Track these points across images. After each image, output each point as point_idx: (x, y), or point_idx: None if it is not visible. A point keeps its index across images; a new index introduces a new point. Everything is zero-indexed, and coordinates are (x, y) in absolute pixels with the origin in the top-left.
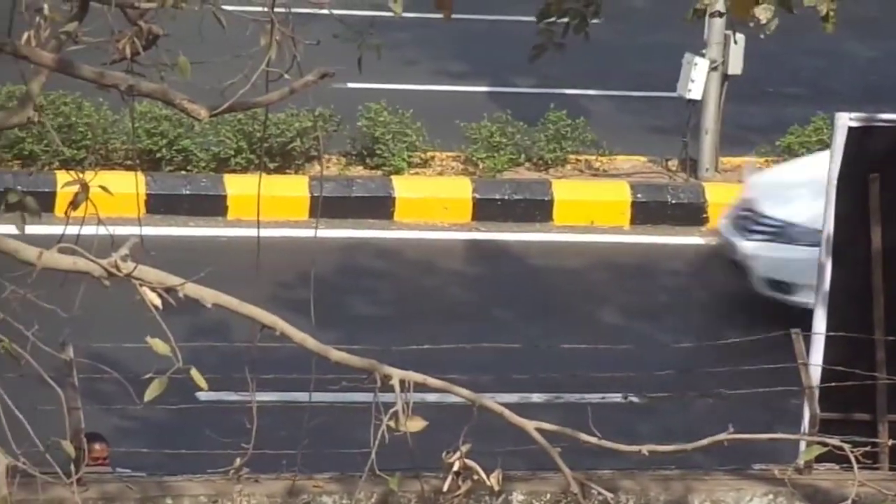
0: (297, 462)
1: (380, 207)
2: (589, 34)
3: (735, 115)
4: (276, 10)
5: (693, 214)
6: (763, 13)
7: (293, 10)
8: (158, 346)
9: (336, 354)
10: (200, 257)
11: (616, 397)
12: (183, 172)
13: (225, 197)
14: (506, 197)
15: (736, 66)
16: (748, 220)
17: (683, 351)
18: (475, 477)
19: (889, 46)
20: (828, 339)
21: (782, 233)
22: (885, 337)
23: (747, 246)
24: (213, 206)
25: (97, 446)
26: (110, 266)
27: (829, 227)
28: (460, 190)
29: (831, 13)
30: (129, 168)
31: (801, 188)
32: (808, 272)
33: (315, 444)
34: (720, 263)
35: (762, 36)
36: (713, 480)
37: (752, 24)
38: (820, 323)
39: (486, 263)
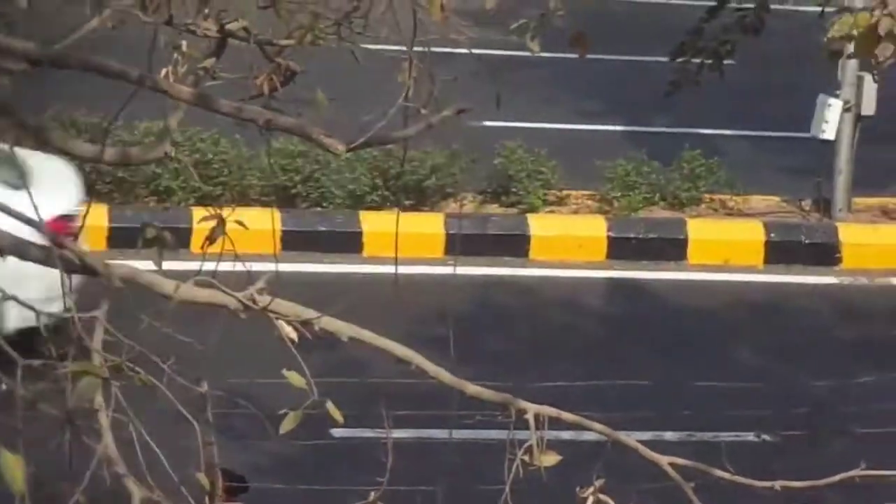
0: (431, 498)
1: (515, 245)
2: (724, 72)
3: (868, 156)
4: (414, 48)
5: (826, 254)
6: (882, 51)
7: (431, 48)
8: (294, 378)
9: (472, 388)
10: (336, 294)
11: (749, 436)
12: (318, 209)
13: (361, 234)
14: (640, 235)
15: (869, 107)
16: None
17: (817, 390)
18: None
19: None
20: None
21: None
22: None
23: None
24: (349, 243)
25: (226, 485)
26: (246, 299)
27: None
28: (595, 228)
29: None
30: (264, 204)
31: None
32: None
33: (449, 481)
34: None
35: (873, 75)
36: None
37: (872, 62)
38: None
39: (621, 302)
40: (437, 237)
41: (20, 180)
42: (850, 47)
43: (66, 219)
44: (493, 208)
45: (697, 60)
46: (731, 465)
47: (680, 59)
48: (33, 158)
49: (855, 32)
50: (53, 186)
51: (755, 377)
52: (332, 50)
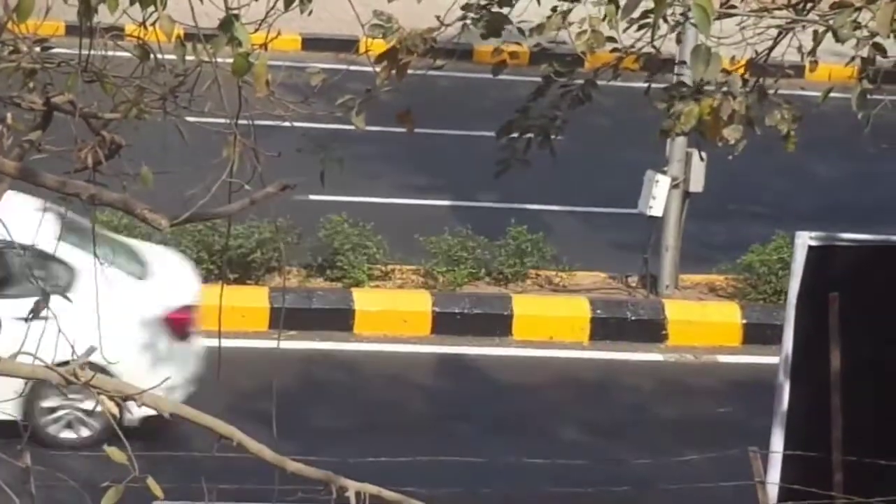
0: None
1: (340, 320)
2: (555, 151)
3: (696, 233)
4: (238, 122)
5: (652, 331)
6: (732, 133)
7: (256, 122)
8: (115, 454)
9: (293, 465)
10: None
11: None
12: None
13: None
14: (465, 311)
15: (697, 184)
16: None
17: (640, 467)
18: None
19: (851, 167)
20: (785, 457)
21: None
22: (842, 458)
23: None
24: None
25: None
26: (69, 374)
27: (788, 347)
28: (420, 303)
29: (792, 133)
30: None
31: None
32: None
33: None
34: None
35: (730, 157)
36: None
37: (720, 144)
38: (777, 442)
39: (446, 377)
40: (261, 311)
41: (143, 270)
42: (686, 126)
43: (187, 309)
44: (318, 282)
45: (527, 136)
46: None
47: (507, 138)
48: (152, 251)
49: (696, 120)
50: (173, 277)
51: (579, 454)
52: (158, 124)
